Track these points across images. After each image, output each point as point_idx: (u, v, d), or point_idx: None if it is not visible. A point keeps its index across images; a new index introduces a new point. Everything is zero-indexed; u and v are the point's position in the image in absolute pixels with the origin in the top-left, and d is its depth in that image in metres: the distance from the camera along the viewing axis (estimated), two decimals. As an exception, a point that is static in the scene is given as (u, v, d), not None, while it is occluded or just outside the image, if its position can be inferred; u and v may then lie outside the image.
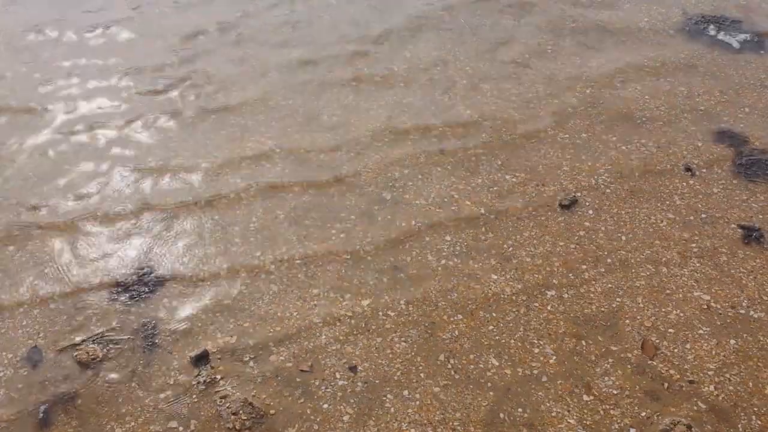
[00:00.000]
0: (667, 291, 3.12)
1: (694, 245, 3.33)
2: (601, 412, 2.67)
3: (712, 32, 4.85)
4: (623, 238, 3.38)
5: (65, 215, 3.60)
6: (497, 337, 2.95)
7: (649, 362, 2.83)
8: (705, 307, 3.04)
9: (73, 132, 4.22)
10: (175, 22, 5.27)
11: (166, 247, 3.40)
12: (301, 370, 2.85)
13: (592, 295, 3.11)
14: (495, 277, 3.21)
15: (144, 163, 3.94)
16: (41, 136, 4.19)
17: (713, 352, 2.86)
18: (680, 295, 3.10)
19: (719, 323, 2.97)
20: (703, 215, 3.48)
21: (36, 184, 3.81)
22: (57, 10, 5.50)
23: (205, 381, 2.81)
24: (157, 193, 3.73)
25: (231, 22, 5.24)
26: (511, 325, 3.00)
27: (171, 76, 4.68)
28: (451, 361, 2.87)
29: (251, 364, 2.88)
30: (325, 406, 2.72)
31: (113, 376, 2.86)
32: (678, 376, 2.77)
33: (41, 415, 2.72)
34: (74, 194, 3.74)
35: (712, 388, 2.73)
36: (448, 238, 3.40)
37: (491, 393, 2.74)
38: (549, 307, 3.06)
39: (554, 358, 2.86)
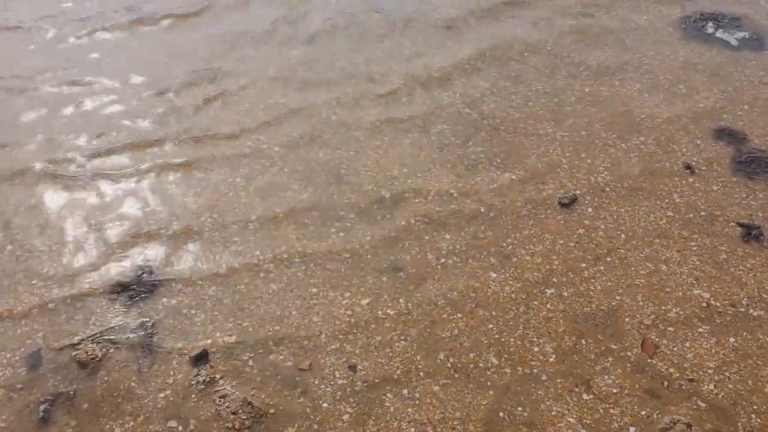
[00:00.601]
0: (667, 289, 3.12)
1: (693, 243, 3.33)
2: (601, 410, 2.67)
3: (711, 30, 4.85)
4: (623, 236, 3.38)
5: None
6: (497, 336, 2.95)
7: (649, 361, 2.83)
8: (704, 305, 3.04)
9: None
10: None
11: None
12: (301, 369, 2.84)
13: (591, 293, 3.11)
14: (494, 275, 3.20)
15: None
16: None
17: (713, 351, 2.86)
18: (680, 293, 3.10)
19: (719, 321, 2.97)
20: (703, 213, 3.48)
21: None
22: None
23: (204, 380, 2.81)
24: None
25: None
26: (510, 323, 2.99)
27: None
28: (451, 359, 2.86)
29: (250, 363, 2.88)
30: (325, 405, 2.72)
31: (112, 375, 2.85)
32: (678, 375, 2.77)
33: (41, 414, 2.72)
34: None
35: (711, 386, 2.73)
36: (447, 236, 3.40)
37: (491, 392, 2.74)
38: (548, 306, 3.06)
39: (554, 356, 2.86)
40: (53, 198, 3.71)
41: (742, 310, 3.02)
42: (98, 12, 5.41)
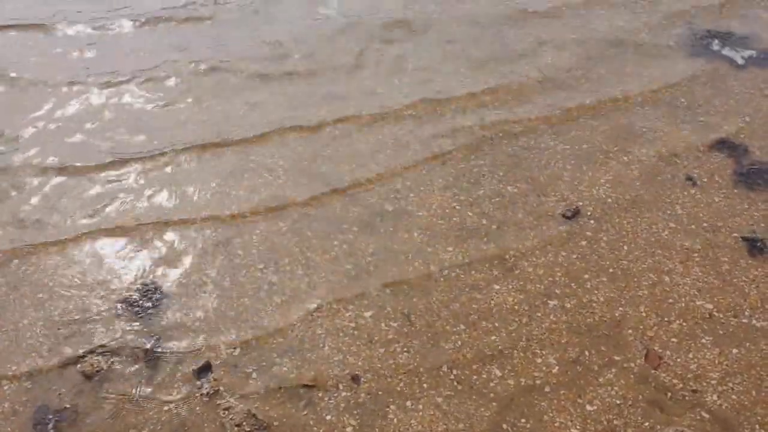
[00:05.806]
0: (670, 300, 3.12)
1: (696, 254, 3.34)
2: (604, 422, 2.66)
3: (716, 47, 4.85)
4: (625, 247, 3.39)
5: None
6: (500, 347, 2.95)
7: (652, 372, 2.83)
8: (707, 316, 3.04)
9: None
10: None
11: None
12: (304, 385, 2.85)
13: (594, 304, 3.12)
14: (497, 287, 3.21)
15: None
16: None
17: (716, 361, 2.86)
18: (683, 304, 3.10)
19: (722, 332, 2.97)
20: (705, 224, 3.49)
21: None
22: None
23: (208, 393, 2.82)
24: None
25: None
26: (513, 335, 3.00)
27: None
28: (454, 371, 2.87)
29: (254, 375, 2.89)
30: (329, 417, 2.73)
31: (117, 388, 2.87)
32: (681, 386, 2.77)
33: (46, 428, 2.73)
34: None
35: (715, 397, 2.72)
36: (450, 248, 3.42)
37: (494, 403, 2.74)
38: (551, 317, 3.07)
39: (557, 368, 2.86)
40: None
41: (745, 320, 3.02)
42: None
